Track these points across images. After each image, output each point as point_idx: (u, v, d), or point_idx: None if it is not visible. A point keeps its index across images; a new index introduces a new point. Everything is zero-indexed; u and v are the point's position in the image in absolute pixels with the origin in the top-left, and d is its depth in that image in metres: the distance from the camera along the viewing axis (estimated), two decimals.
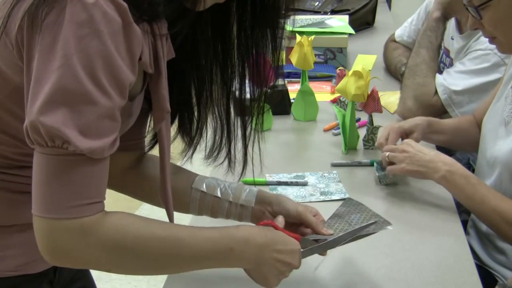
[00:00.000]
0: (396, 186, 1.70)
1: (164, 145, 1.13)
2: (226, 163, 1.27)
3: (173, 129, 1.24)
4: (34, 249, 1.12)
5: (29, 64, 0.93)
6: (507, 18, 1.50)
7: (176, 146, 1.25)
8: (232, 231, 1.11)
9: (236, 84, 1.19)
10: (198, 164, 1.32)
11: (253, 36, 1.13)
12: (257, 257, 1.12)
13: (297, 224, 1.30)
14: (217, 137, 1.24)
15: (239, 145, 1.24)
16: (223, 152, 1.26)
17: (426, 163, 1.57)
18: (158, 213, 1.22)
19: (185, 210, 1.32)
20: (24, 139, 1.03)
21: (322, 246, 1.21)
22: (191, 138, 1.26)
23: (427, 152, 1.59)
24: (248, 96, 1.21)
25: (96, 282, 1.42)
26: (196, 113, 1.24)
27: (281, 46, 1.14)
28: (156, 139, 1.27)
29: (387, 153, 1.64)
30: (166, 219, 1.16)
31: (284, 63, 2.43)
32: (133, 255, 1.01)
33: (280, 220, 1.23)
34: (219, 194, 1.29)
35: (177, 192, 1.25)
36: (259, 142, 1.22)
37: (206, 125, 1.25)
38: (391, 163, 1.64)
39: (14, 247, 1.12)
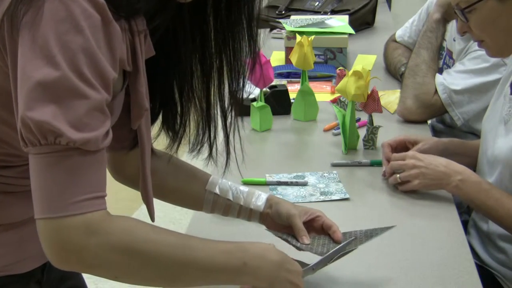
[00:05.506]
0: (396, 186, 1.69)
1: (144, 143, 1.12)
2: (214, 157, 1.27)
3: (157, 124, 1.24)
4: (20, 249, 1.11)
5: (14, 67, 0.93)
6: (492, 21, 1.51)
7: (161, 142, 1.25)
8: (246, 246, 1.11)
9: (215, 76, 1.19)
10: (184, 158, 1.35)
11: (229, 24, 1.13)
12: (272, 276, 1.11)
13: (288, 227, 1.33)
14: (199, 131, 1.23)
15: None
16: (207, 146, 1.25)
17: (440, 175, 1.58)
18: (158, 213, 1.22)
19: (198, 208, 1.39)
20: (5, 139, 1.03)
21: (310, 268, 1.24)
22: (175, 133, 1.25)
23: (438, 163, 1.60)
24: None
25: (95, 282, 1.41)
26: (179, 108, 1.23)
27: (257, 35, 1.15)
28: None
29: (397, 175, 1.64)
30: (179, 223, 1.14)
31: (284, 63, 2.46)
32: (143, 260, 0.98)
33: None
34: (231, 198, 1.37)
35: (192, 193, 1.37)
36: (239, 131, 1.21)
37: (189, 119, 1.24)
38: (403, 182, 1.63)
39: None
